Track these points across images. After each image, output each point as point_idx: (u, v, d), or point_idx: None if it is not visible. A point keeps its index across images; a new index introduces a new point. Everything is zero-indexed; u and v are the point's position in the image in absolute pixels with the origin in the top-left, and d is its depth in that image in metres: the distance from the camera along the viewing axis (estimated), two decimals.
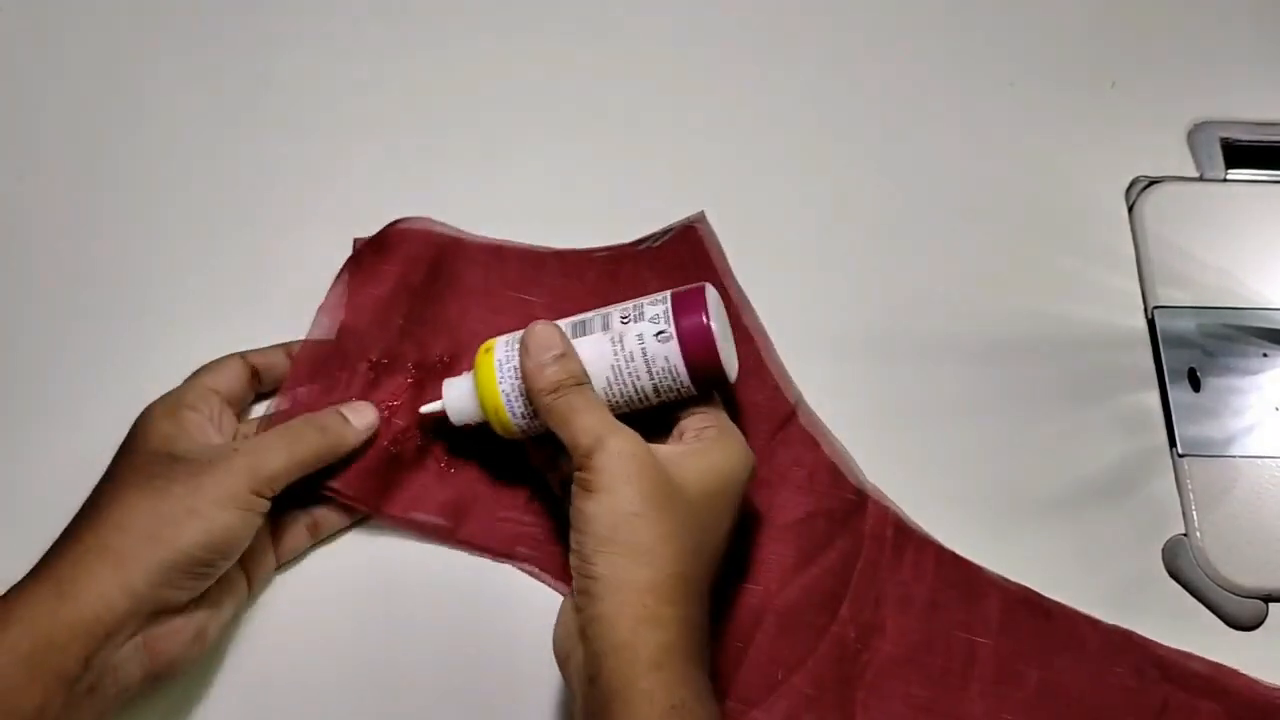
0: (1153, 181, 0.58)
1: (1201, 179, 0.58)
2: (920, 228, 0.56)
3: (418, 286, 0.50)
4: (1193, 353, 0.53)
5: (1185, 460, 0.51)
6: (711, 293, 0.42)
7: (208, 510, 0.40)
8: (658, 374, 0.42)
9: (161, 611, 0.40)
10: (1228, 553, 0.49)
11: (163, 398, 0.45)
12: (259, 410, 0.49)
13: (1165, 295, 0.55)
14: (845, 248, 0.56)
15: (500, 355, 0.44)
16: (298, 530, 0.46)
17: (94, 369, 0.51)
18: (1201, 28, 0.62)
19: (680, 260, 0.52)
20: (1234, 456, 0.51)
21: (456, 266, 0.51)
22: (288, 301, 0.50)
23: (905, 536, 0.48)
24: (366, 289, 0.50)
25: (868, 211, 0.57)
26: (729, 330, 0.43)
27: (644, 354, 0.41)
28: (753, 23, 0.62)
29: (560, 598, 0.46)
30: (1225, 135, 0.59)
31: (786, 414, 0.50)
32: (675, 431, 0.43)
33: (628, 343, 0.42)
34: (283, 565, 0.47)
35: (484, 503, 0.47)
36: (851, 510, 0.49)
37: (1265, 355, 0.53)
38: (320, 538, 0.47)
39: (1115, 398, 0.53)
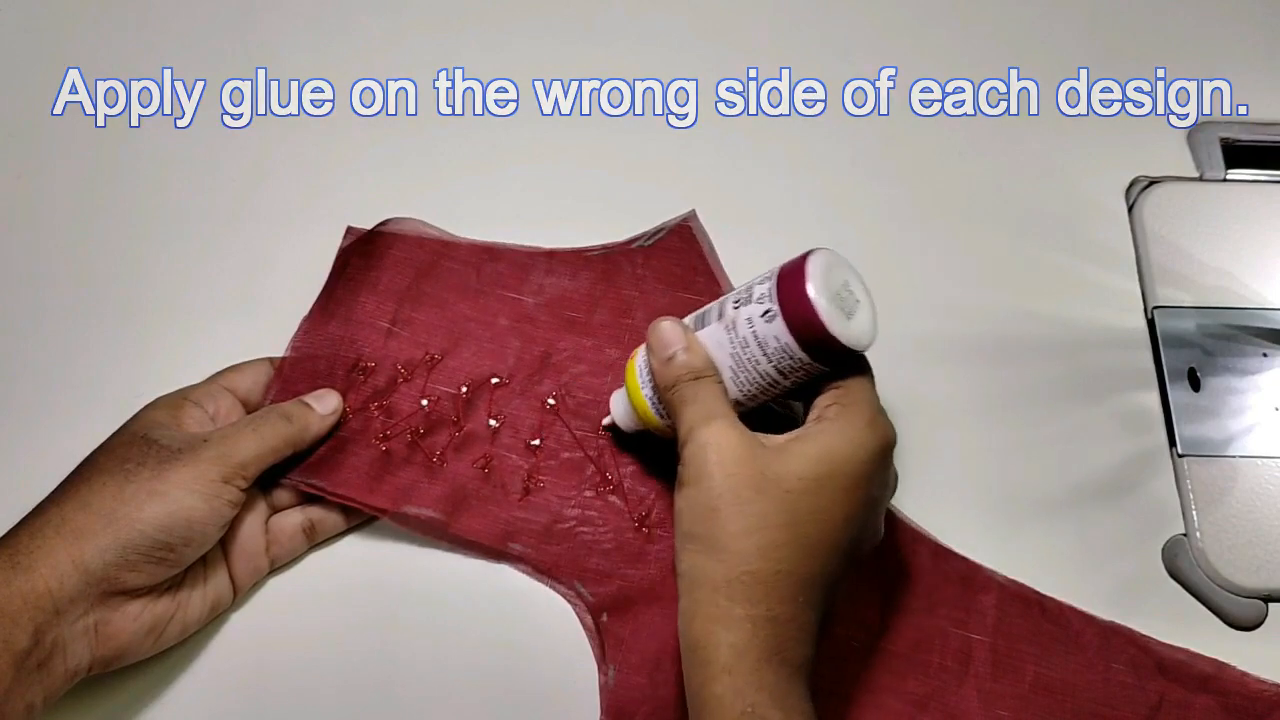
0: (1153, 181, 0.57)
1: (1201, 179, 0.58)
2: (919, 228, 0.56)
3: (404, 290, 0.50)
4: (1193, 353, 0.53)
5: (1185, 460, 0.51)
6: (820, 258, 0.39)
7: (171, 492, 0.40)
8: (774, 355, 0.39)
9: (116, 593, 0.39)
10: (1228, 553, 0.49)
11: (176, 390, 0.45)
12: None
13: (1165, 295, 0.55)
14: (842, 247, 0.55)
15: (639, 361, 0.44)
16: (294, 533, 0.46)
17: (92, 370, 0.51)
18: (1202, 28, 0.62)
19: (674, 258, 0.52)
20: (1234, 456, 0.51)
21: (447, 267, 0.52)
22: (287, 303, 0.50)
23: (901, 534, 0.48)
24: (351, 295, 0.50)
25: (865, 211, 0.57)
26: (854, 293, 0.40)
27: (756, 338, 0.39)
28: (747, 20, 0.62)
29: (557, 596, 0.47)
30: (1225, 135, 0.59)
31: None
32: (810, 413, 0.41)
33: (740, 328, 0.40)
34: (280, 568, 0.47)
35: (478, 497, 0.47)
36: None
37: (1265, 355, 0.53)
38: (317, 540, 0.47)
39: (1115, 398, 0.53)
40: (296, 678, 0.45)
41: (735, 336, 0.40)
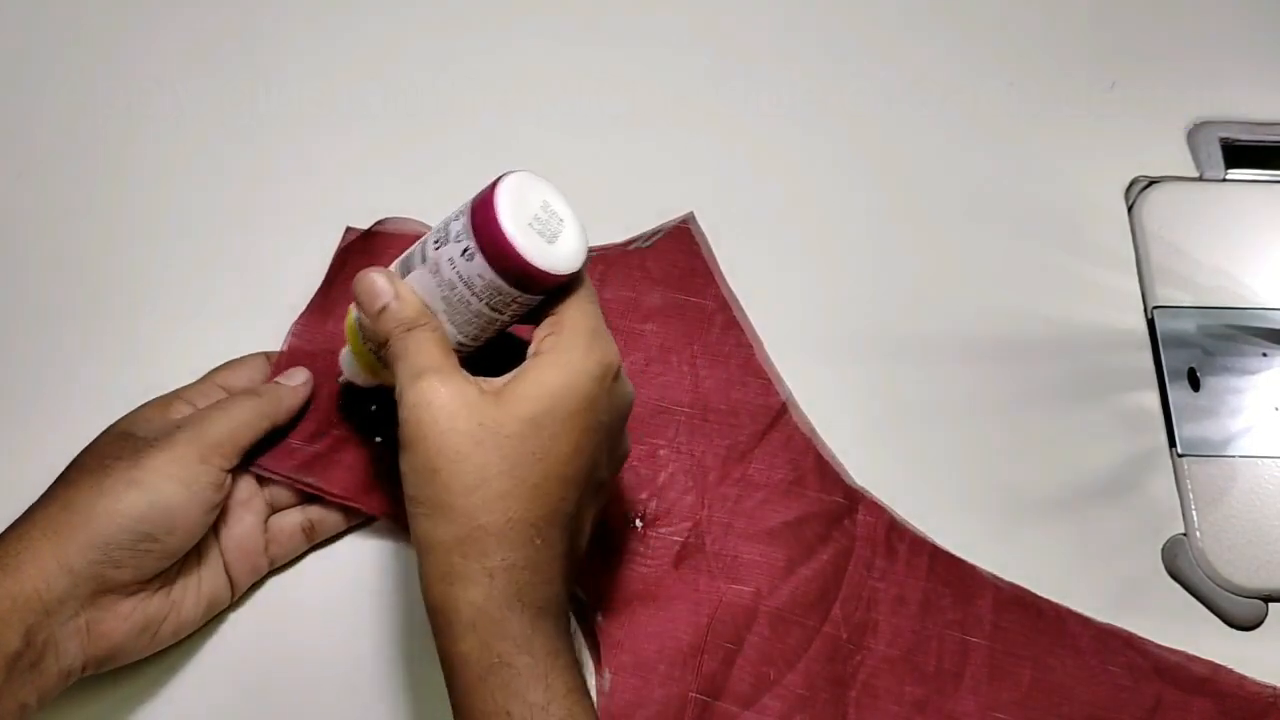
0: (1153, 181, 0.57)
1: (1201, 179, 0.58)
2: (919, 228, 0.56)
3: None
4: (1193, 353, 0.53)
5: (1185, 460, 0.51)
6: (511, 182, 0.36)
7: (147, 479, 0.40)
8: (483, 294, 0.36)
9: (106, 591, 0.39)
10: (1227, 553, 0.49)
11: (170, 391, 0.45)
12: None
13: (1165, 295, 0.55)
14: (842, 248, 0.56)
15: (355, 314, 0.41)
16: (294, 533, 0.46)
17: (91, 370, 0.51)
18: (1201, 28, 0.62)
19: (672, 259, 0.52)
20: (1233, 456, 0.51)
21: None
22: (287, 303, 0.50)
23: (898, 537, 0.48)
24: (348, 294, 0.50)
25: (865, 211, 0.57)
26: (556, 213, 0.37)
27: (462, 278, 0.36)
28: (748, 21, 0.62)
29: None
30: (1225, 135, 0.59)
31: (776, 414, 0.50)
32: (530, 346, 0.38)
33: (444, 270, 0.37)
34: (279, 568, 0.47)
35: None
36: (843, 512, 0.48)
37: (1265, 355, 0.53)
38: (317, 540, 0.47)
39: (1115, 398, 0.53)
40: (295, 678, 0.45)
41: (441, 279, 0.37)
